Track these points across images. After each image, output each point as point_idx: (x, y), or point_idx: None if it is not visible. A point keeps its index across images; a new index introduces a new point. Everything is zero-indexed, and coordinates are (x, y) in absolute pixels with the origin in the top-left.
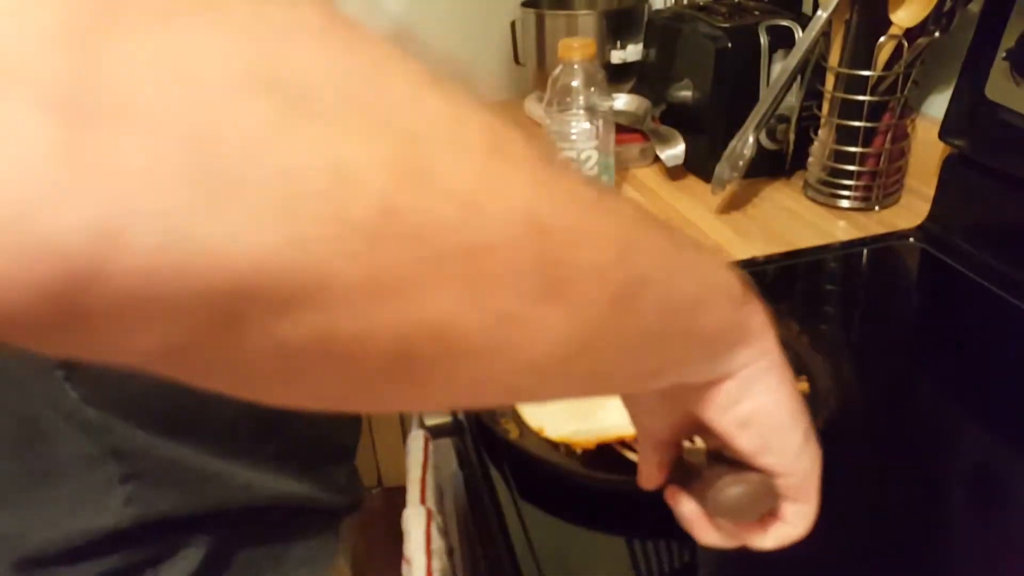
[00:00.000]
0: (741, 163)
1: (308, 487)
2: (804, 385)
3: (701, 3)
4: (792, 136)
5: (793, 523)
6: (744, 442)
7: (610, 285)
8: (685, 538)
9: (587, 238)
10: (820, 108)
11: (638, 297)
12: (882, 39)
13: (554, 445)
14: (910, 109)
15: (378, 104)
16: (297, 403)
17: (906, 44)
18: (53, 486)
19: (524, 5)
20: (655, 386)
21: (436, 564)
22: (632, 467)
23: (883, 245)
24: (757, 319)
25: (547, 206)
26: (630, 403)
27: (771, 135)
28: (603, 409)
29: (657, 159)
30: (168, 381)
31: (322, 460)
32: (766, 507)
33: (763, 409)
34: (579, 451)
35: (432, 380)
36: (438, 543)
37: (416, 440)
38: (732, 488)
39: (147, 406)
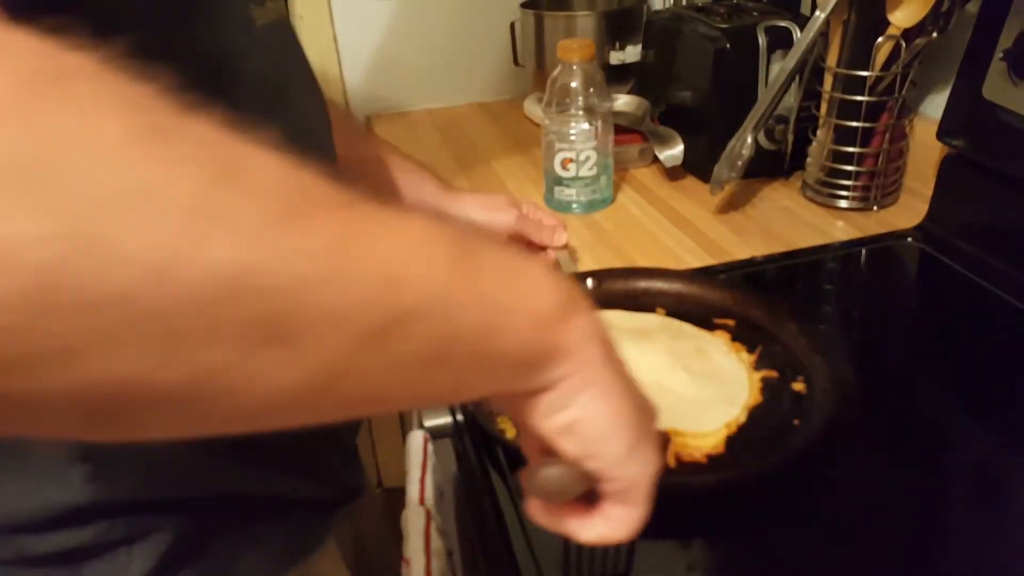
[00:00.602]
0: (740, 163)
1: (292, 477)
2: (800, 386)
3: (700, 4)
4: (790, 136)
5: (615, 525)
6: (567, 447)
7: (355, 326)
8: (683, 538)
9: (321, 287)
10: (818, 108)
11: (400, 331)
12: (880, 39)
13: None
14: (908, 109)
15: (53, 177)
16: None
17: (904, 44)
18: (20, 457)
19: (523, 6)
20: (460, 400)
21: (435, 564)
22: None
23: (881, 245)
24: (574, 335)
25: (265, 261)
26: None
27: (769, 135)
28: None
29: (656, 160)
30: None
31: (309, 450)
32: (574, 493)
33: (584, 418)
34: None
35: (141, 425)
36: (437, 544)
37: (415, 441)
38: (543, 470)
39: None
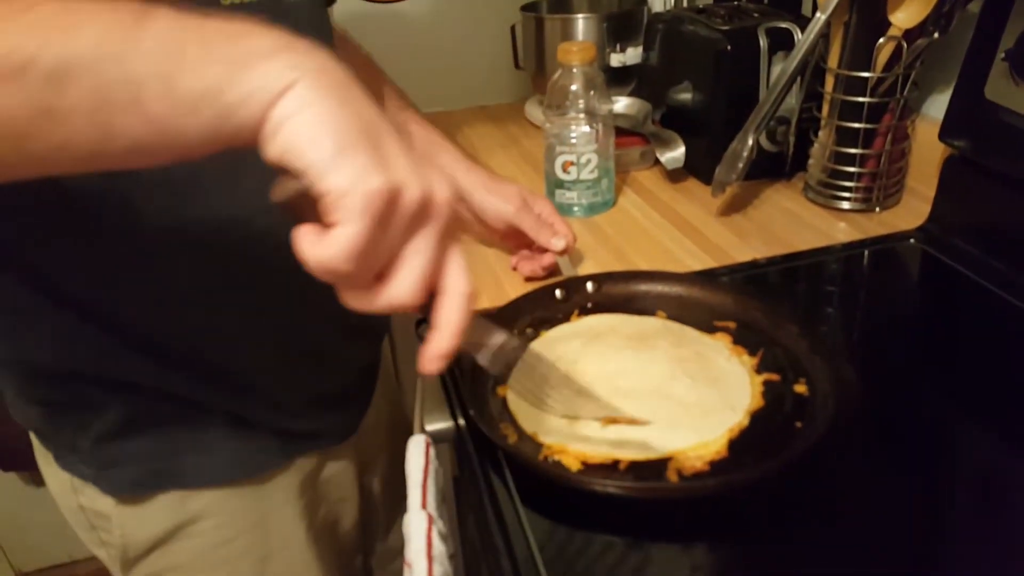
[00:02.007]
0: (741, 165)
1: (250, 401)
2: (802, 388)
3: (700, 6)
4: (792, 138)
5: (325, 242)
6: (271, 151)
7: (37, 67)
8: (685, 540)
9: (13, 36)
10: (820, 110)
11: (74, 75)
12: (881, 40)
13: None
14: (910, 110)
15: None
16: None
17: (905, 45)
18: (33, 319)
19: (523, 9)
20: (186, 140)
21: (437, 569)
22: (628, 472)
23: (884, 246)
24: (281, 64)
25: None
26: None
27: (771, 137)
28: (604, 421)
29: (657, 162)
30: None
31: (273, 382)
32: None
33: (289, 117)
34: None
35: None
36: (439, 548)
37: (417, 445)
38: (281, 182)
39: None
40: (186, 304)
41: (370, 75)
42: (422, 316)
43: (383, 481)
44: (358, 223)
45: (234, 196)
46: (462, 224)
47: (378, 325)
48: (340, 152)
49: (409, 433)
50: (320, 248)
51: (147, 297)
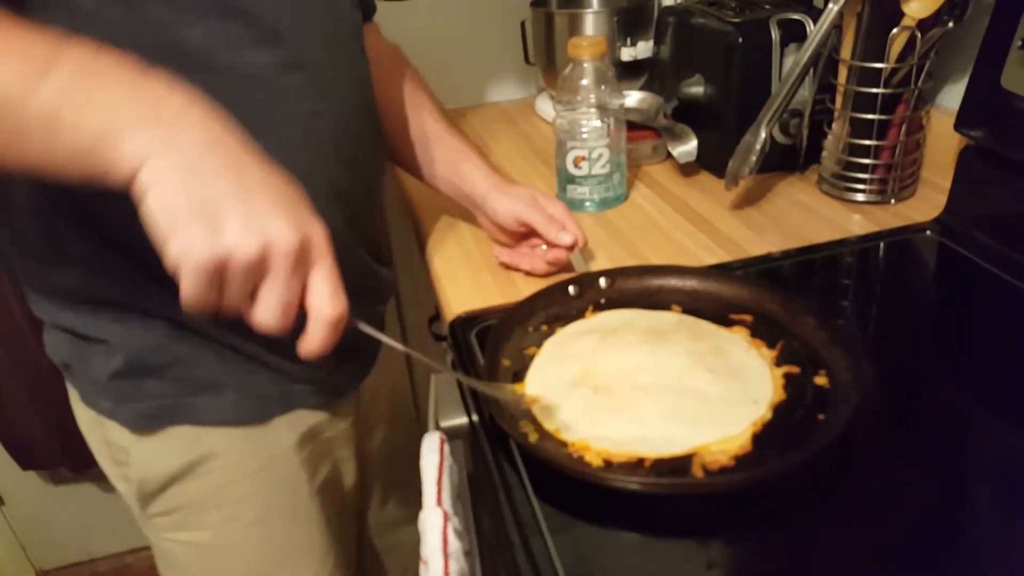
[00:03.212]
0: (754, 158)
1: (256, 342)
2: (823, 380)
3: None
4: (805, 130)
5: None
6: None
7: None
8: (702, 536)
9: None
10: (833, 101)
11: None
12: (895, 31)
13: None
14: (924, 101)
15: None
16: None
17: (919, 35)
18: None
19: (533, 5)
20: (58, 166)
21: (453, 566)
22: (652, 470)
23: (900, 238)
24: (132, 112)
25: None
26: None
27: (784, 130)
28: (620, 416)
29: (669, 156)
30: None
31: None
32: None
33: (148, 196)
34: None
35: None
36: (455, 545)
37: (431, 442)
38: None
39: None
40: None
41: (410, 89)
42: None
43: (381, 453)
44: (190, 282)
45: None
46: (322, 255)
47: (379, 287)
48: (172, 231)
49: (409, 417)
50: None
51: None
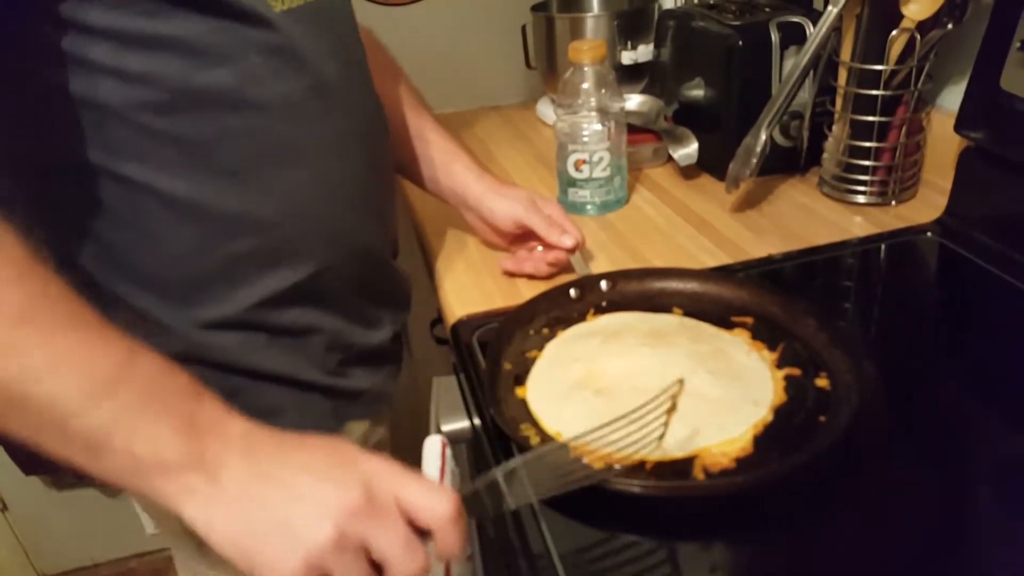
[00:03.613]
0: (755, 161)
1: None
2: (824, 382)
3: (711, 1)
4: (806, 132)
5: None
6: None
7: None
8: (705, 538)
9: None
10: (833, 103)
11: (16, 412)
12: (894, 32)
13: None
14: (924, 102)
15: None
16: None
17: (919, 37)
18: None
19: (534, 9)
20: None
21: (456, 569)
22: (653, 472)
23: (901, 240)
24: (173, 452)
25: None
26: None
27: (785, 132)
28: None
29: (670, 159)
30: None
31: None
32: None
33: (207, 535)
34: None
35: None
36: None
37: (433, 445)
38: None
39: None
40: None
41: (389, 78)
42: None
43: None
44: None
45: (293, 167)
46: (390, 520)
47: (407, 291)
48: (250, 561)
49: (421, 425)
50: None
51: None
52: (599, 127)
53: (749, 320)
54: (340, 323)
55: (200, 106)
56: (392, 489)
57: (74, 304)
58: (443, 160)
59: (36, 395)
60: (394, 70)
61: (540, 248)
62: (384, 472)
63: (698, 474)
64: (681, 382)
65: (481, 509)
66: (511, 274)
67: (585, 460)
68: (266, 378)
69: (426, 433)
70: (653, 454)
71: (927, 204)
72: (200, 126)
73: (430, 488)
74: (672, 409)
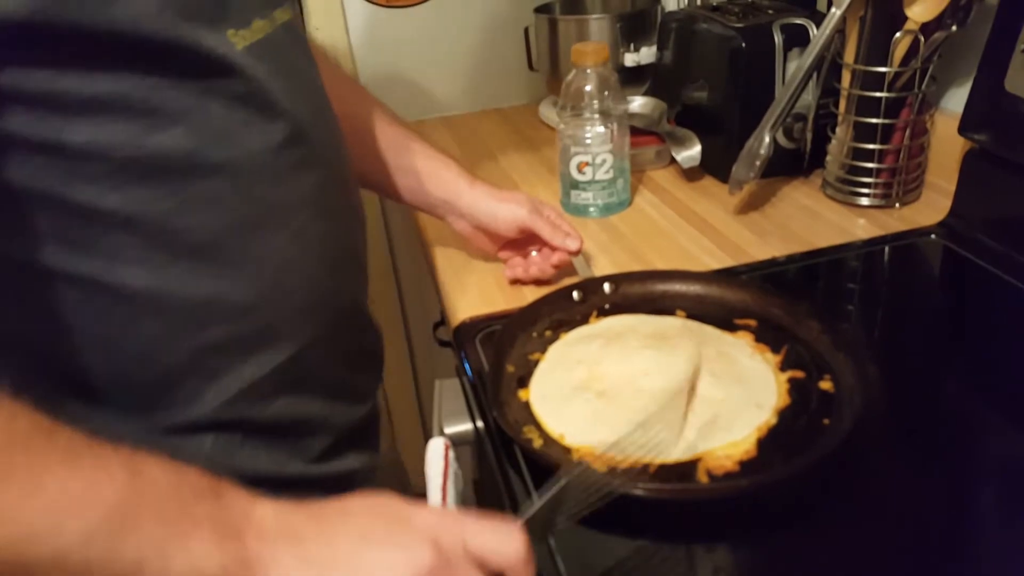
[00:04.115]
0: (758, 163)
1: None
2: (828, 384)
3: (714, 3)
4: (809, 134)
5: None
6: None
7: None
8: (707, 544)
9: None
10: (837, 105)
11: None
12: (898, 35)
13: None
14: (928, 104)
15: None
16: None
17: (922, 39)
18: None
19: (537, 11)
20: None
21: None
22: (657, 475)
23: (905, 242)
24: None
25: None
26: None
27: (788, 134)
28: (625, 422)
29: (673, 161)
30: None
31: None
32: None
33: None
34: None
35: None
36: None
37: (436, 447)
38: None
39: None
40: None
41: (354, 93)
42: None
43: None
44: None
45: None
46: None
47: (379, 356)
48: None
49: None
50: None
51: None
52: (602, 129)
53: (752, 323)
54: (324, 406)
55: (155, 176)
56: (458, 539)
57: (51, 432)
58: (430, 169)
59: (39, 558)
60: (358, 86)
61: (535, 253)
62: (446, 523)
63: (702, 477)
64: (697, 368)
65: (540, 532)
66: (520, 282)
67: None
68: (246, 480)
69: (429, 435)
70: (656, 457)
71: (931, 206)
72: (156, 200)
73: (495, 529)
74: (692, 396)
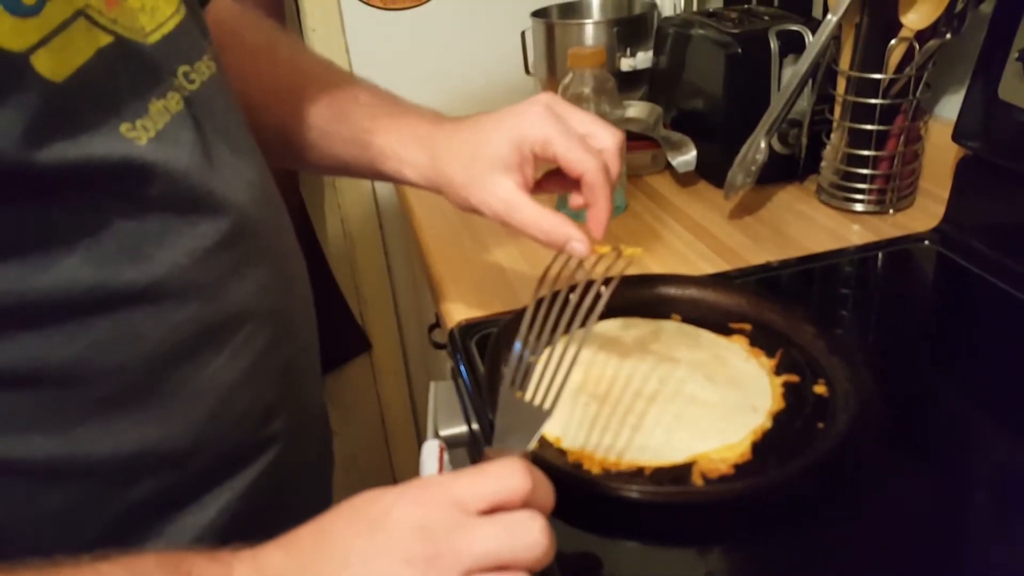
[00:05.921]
0: (753, 168)
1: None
2: (822, 388)
3: (711, 9)
4: (804, 140)
5: None
6: None
7: None
8: (701, 547)
9: None
10: (832, 112)
11: None
12: (893, 42)
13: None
14: (923, 111)
15: None
16: None
17: (917, 46)
18: None
19: (534, 15)
20: None
21: None
22: (651, 478)
23: (898, 248)
24: None
25: None
26: None
27: (783, 140)
28: (620, 425)
29: (669, 166)
30: None
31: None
32: None
33: None
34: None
35: None
36: None
37: (431, 450)
38: None
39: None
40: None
41: (333, 82)
42: None
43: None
44: None
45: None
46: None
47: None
48: None
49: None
50: None
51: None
52: None
53: (747, 327)
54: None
55: (47, 320)
56: (449, 511)
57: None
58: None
59: None
60: (278, 36)
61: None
62: (431, 500)
63: (696, 480)
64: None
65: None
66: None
67: (585, 466)
68: None
69: (423, 438)
70: (651, 460)
71: (925, 213)
72: (53, 349)
73: (488, 473)
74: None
